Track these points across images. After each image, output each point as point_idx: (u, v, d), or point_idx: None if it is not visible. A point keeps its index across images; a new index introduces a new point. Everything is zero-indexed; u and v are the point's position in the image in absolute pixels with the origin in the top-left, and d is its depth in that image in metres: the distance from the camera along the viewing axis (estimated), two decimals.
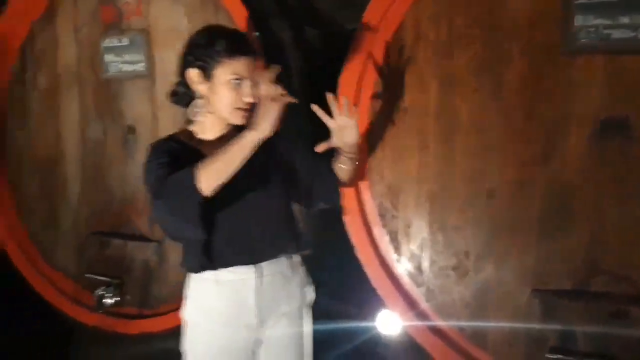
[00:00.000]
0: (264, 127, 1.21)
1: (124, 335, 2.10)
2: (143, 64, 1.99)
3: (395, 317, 1.75)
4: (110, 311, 2.06)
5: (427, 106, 1.64)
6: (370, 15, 1.67)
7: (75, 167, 2.19)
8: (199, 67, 1.32)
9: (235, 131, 1.32)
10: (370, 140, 1.72)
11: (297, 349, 1.45)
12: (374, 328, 1.79)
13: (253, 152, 1.23)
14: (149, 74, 1.99)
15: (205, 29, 1.38)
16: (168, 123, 1.98)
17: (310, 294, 1.49)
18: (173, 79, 1.93)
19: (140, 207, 2.05)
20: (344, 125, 1.39)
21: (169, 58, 1.95)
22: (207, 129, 1.39)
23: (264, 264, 1.37)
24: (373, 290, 1.74)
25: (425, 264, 1.70)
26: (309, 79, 1.76)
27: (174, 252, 2.01)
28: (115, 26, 2.04)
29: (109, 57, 2.04)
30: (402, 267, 1.73)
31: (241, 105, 1.32)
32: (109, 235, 2.12)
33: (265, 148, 1.28)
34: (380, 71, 1.69)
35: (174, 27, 1.93)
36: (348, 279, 1.82)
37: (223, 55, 1.30)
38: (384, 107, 1.70)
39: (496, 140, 1.56)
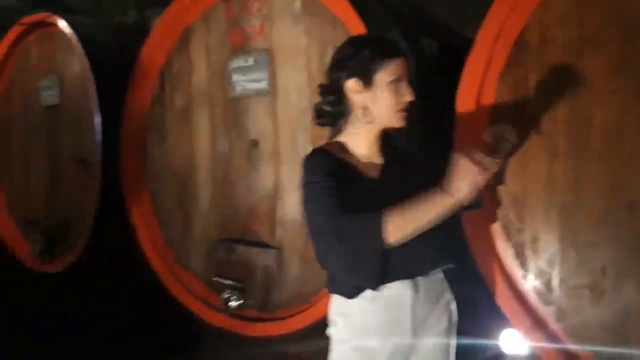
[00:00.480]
0: (464, 193, 1.14)
1: (246, 337, 2.21)
2: (266, 82, 2.12)
3: (520, 336, 1.65)
4: (234, 313, 2.19)
5: (555, 111, 1.54)
6: (490, 21, 1.62)
7: (206, 178, 2.37)
8: (359, 76, 1.30)
9: (386, 145, 1.36)
10: None
11: None
12: (497, 347, 1.70)
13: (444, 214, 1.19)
14: (272, 91, 2.11)
15: (351, 42, 1.38)
16: (288, 137, 2.07)
17: (455, 311, 1.43)
18: (293, 94, 2.06)
19: (262, 216, 2.17)
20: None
21: (288, 75, 2.05)
22: (359, 141, 1.36)
23: (420, 279, 1.32)
24: (496, 307, 1.66)
25: (555, 282, 1.58)
26: (426, 89, 1.75)
27: (293, 259, 2.10)
28: (241, 48, 2.19)
29: (236, 77, 2.19)
30: (529, 284, 1.63)
31: (402, 107, 1.32)
32: (235, 241, 2.26)
33: (411, 160, 1.32)
34: (502, 78, 1.63)
35: (295, 45, 2.02)
36: (469, 294, 1.76)
37: (381, 58, 1.29)
38: (507, 114, 1.63)
39: (638, 146, 1.42)
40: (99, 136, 2.58)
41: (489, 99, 1.66)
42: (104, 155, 2.57)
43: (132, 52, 2.51)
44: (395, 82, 1.30)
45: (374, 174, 1.35)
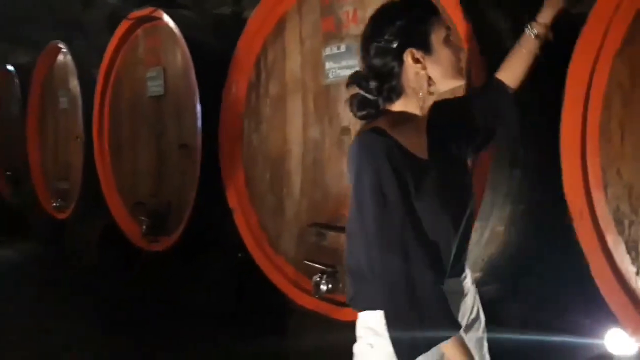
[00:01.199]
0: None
1: (336, 321, 2.25)
2: (359, 68, 2.12)
3: (628, 336, 1.54)
4: (325, 297, 2.24)
5: None
6: None
7: (298, 164, 2.43)
8: (417, 46, 1.17)
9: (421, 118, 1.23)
10: (605, 135, 1.54)
11: None
12: (603, 347, 1.60)
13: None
14: None
15: (383, 14, 1.22)
16: None
17: (482, 317, 1.37)
18: None
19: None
20: None
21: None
22: (402, 116, 1.22)
23: (449, 280, 1.24)
24: (603, 304, 1.56)
25: None
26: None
27: None
28: (334, 35, 2.21)
29: (329, 64, 2.22)
30: None
31: (462, 62, 1.21)
32: (325, 227, 2.30)
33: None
34: (617, 58, 1.50)
35: None
36: (574, 290, 1.66)
37: (429, 17, 1.18)
38: (619, 97, 1.51)
39: None
40: (199, 123, 2.74)
41: (602, 79, 1.54)
42: (204, 142, 2.72)
43: (230, 42, 2.62)
44: (447, 35, 1.19)
45: (421, 152, 1.22)
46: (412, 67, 1.19)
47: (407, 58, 1.18)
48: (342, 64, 2.18)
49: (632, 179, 1.50)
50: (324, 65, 2.24)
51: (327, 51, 2.22)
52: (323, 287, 2.20)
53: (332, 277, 2.22)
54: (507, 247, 1.93)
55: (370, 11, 2.02)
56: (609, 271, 1.55)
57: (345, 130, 2.21)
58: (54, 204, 4.23)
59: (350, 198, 1.22)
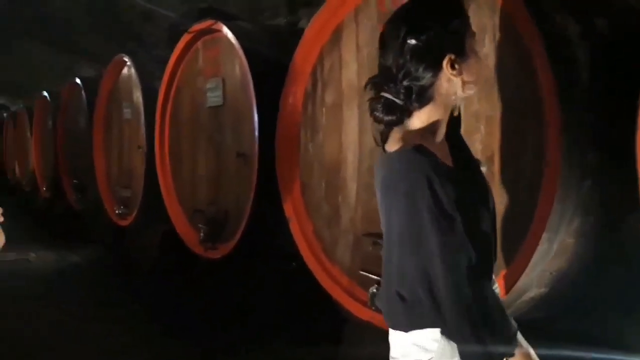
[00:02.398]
0: None
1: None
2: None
3: None
4: (380, 309, 2.20)
5: None
6: None
7: (353, 172, 2.41)
8: (454, 51, 1.15)
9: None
10: None
11: None
12: None
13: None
14: None
15: (421, 13, 1.18)
16: None
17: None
18: None
19: None
20: None
21: None
22: (432, 124, 1.19)
23: None
24: None
25: None
26: (603, 73, 1.58)
27: None
28: None
29: None
30: None
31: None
32: (381, 236, 2.26)
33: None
34: None
35: None
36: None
37: (466, 22, 1.17)
38: None
39: None
40: (256, 132, 2.78)
41: None
42: (261, 150, 2.76)
43: (286, 52, 2.66)
44: (474, 41, 1.18)
45: (449, 161, 1.20)
46: (447, 73, 1.17)
47: (446, 64, 1.16)
48: None
49: None
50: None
51: None
52: None
53: None
54: (576, 260, 1.83)
55: None
56: None
57: None
58: (117, 211, 4.41)
59: (393, 222, 1.20)
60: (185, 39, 3.45)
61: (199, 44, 3.42)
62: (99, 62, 5.46)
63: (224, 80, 3.17)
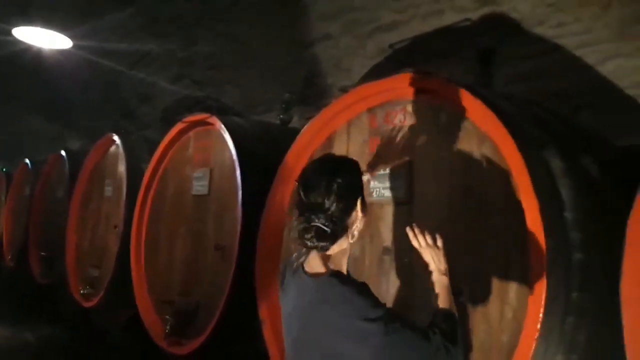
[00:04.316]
0: (446, 268, 1.55)
1: None
2: (404, 191, 2.13)
3: None
4: None
5: None
6: None
7: None
8: (362, 197, 1.47)
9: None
10: None
11: None
12: None
13: None
14: (409, 201, 2.11)
15: (355, 163, 1.53)
16: None
17: None
18: (430, 206, 2.04)
19: None
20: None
21: (430, 187, 2.05)
22: (344, 260, 1.48)
23: None
24: None
25: None
26: (587, 212, 1.63)
27: None
28: (381, 156, 2.26)
29: (374, 184, 2.25)
30: None
31: None
32: None
33: None
34: None
35: (439, 159, 2.04)
36: None
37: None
38: None
39: None
40: (239, 226, 2.75)
41: None
42: (241, 245, 2.71)
43: (277, 150, 2.70)
44: None
45: None
46: (358, 212, 1.45)
47: (358, 204, 1.45)
48: (386, 185, 2.21)
49: None
50: (368, 184, 2.26)
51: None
52: None
53: None
54: None
55: (420, 137, 2.13)
56: None
57: (387, 250, 2.18)
58: (82, 291, 4.22)
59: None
60: (178, 126, 3.51)
61: (191, 133, 3.48)
62: (89, 136, 5.48)
63: (211, 171, 3.19)
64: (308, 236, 1.38)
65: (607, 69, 2.31)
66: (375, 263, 2.21)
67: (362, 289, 1.38)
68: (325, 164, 1.49)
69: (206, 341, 2.79)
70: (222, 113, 3.38)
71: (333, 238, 1.40)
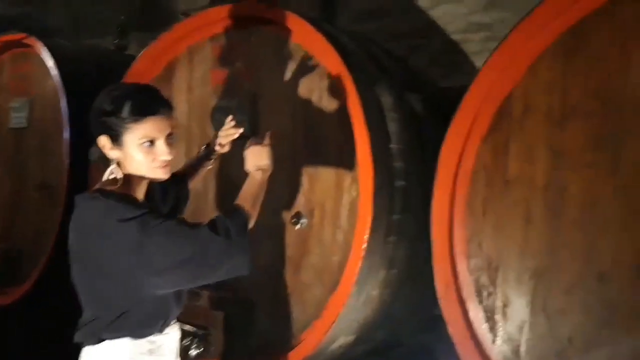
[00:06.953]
0: (269, 164, 1.54)
1: None
2: (247, 125, 2.10)
3: None
4: None
5: (534, 178, 1.58)
6: (479, 83, 1.66)
7: None
8: (109, 135, 1.33)
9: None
10: (470, 210, 1.68)
11: None
12: None
13: None
14: (251, 135, 2.09)
15: (111, 91, 1.37)
16: None
17: None
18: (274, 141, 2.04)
19: None
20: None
21: (274, 121, 2.05)
22: (134, 186, 1.40)
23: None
24: None
25: (523, 349, 1.58)
26: (410, 143, 1.78)
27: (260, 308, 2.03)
28: (226, 88, 2.18)
29: (216, 116, 2.17)
30: (497, 349, 1.62)
31: (159, 164, 1.36)
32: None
33: None
34: (485, 140, 1.67)
35: (281, 92, 2.03)
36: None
37: (130, 121, 1.30)
38: (486, 177, 1.66)
39: (612, 218, 1.46)
40: (67, 162, 2.49)
41: (469, 160, 1.69)
42: (70, 183, 2.47)
43: (113, 78, 2.45)
44: (148, 142, 1.33)
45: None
46: (105, 150, 1.40)
47: (100, 140, 1.39)
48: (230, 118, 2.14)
49: (491, 252, 1.64)
50: (213, 116, 2.18)
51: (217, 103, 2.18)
52: (192, 352, 2.05)
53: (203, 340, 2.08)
54: (381, 310, 1.98)
55: (264, 70, 2.09)
56: (468, 338, 1.65)
57: (231, 185, 2.15)
58: None
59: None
60: None
61: (6, 57, 3.00)
62: None
63: (31, 101, 2.81)
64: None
65: (437, 14, 2.50)
66: (219, 197, 2.18)
67: (124, 198, 1.35)
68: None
69: (31, 289, 2.54)
70: (45, 35, 2.95)
71: (97, 161, 1.46)
